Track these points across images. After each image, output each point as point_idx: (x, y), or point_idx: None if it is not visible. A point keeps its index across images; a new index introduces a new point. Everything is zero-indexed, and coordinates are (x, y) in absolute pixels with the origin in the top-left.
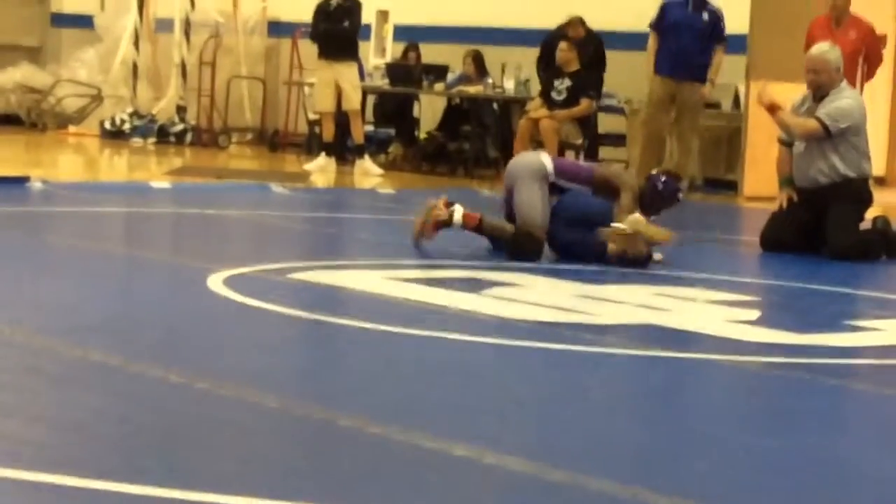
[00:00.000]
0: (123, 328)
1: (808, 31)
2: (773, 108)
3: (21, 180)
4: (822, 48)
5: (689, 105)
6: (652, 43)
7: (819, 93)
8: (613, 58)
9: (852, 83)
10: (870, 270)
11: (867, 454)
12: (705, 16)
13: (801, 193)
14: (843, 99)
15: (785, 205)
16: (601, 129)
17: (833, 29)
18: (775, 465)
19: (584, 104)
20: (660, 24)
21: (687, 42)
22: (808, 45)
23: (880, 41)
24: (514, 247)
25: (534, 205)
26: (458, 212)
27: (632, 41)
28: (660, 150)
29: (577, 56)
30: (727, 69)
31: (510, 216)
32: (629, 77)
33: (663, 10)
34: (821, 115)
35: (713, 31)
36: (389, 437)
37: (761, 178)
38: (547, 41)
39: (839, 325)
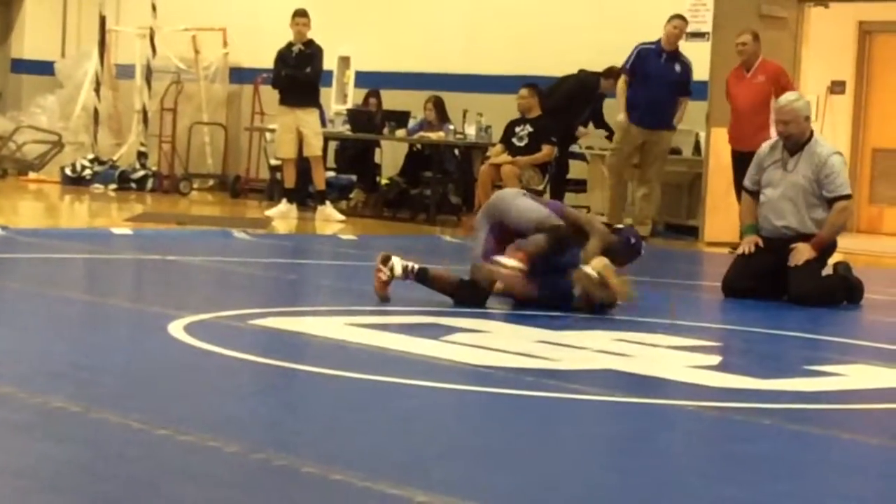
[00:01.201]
0: (84, 375)
1: (726, 81)
2: (816, 249)
3: None
4: (789, 98)
5: (656, 152)
6: (622, 85)
7: (790, 142)
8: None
9: (765, 124)
10: (831, 315)
11: (829, 500)
12: (678, 67)
13: (764, 240)
14: (831, 158)
15: (749, 251)
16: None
17: (744, 75)
18: None
19: (546, 150)
20: (633, 69)
21: (660, 93)
22: (727, 94)
23: (789, 80)
24: (459, 298)
25: (537, 208)
26: (398, 265)
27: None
28: (624, 195)
29: (538, 102)
30: (688, 116)
31: (487, 254)
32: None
33: (638, 57)
34: (840, 192)
35: (685, 83)
36: (352, 485)
37: (722, 224)
38: (589, 86)
39: (800, 370)
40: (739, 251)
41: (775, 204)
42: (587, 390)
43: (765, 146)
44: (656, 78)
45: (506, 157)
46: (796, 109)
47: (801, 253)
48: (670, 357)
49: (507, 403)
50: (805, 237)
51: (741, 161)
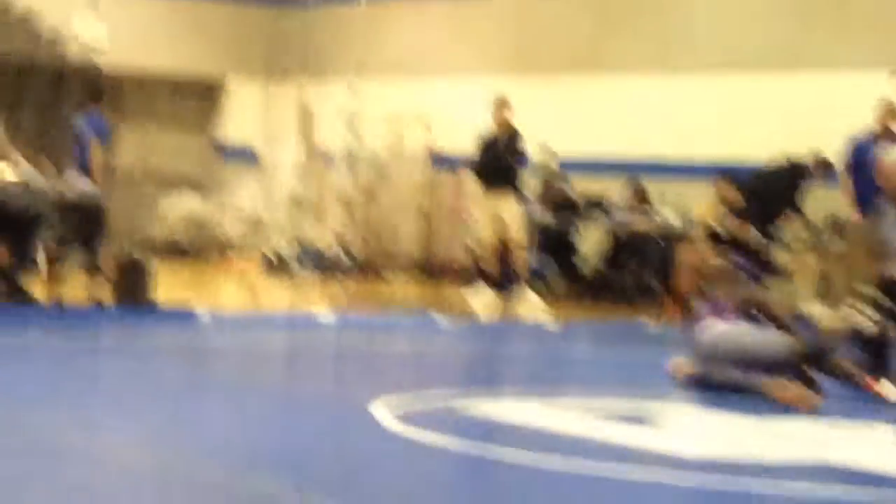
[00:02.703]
0: (291, 462)
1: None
2: None
3: (189, 313)
4: None
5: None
6: (844, 183)
7: None
8: None
9: None
10: None
11: None
12: None
13: None
14: None
15: None
16: None
17: None
18: None
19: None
20: (850, 163)
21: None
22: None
23: None
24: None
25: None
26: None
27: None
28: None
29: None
30: None
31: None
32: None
33: (854, 150)
34: None
35: None
36: None
37: None
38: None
39: None
40: None
41: None
42: (795, 482)
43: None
44: (872, 164)
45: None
46: None
47: None
48: (887, 447)
49: (710, 498)
50: None
51: None
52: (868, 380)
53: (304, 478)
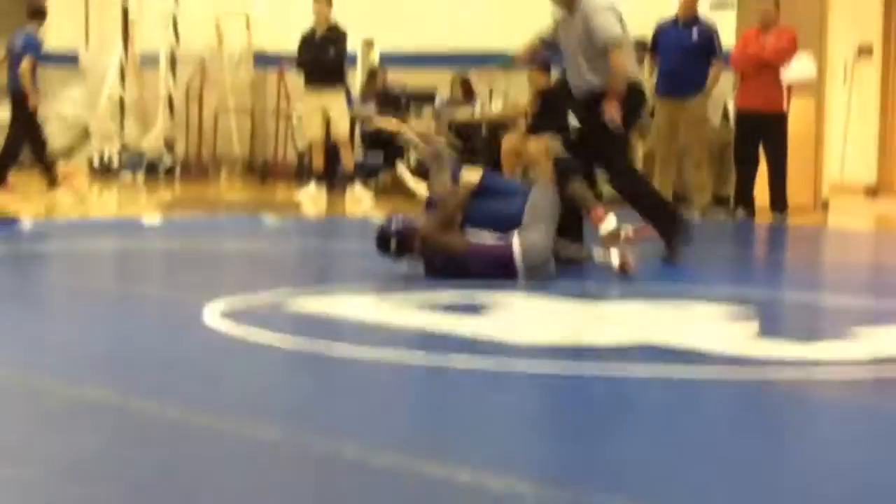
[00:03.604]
0: (119, 365)
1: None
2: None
3: (11, 220)
4: None
5: (690, 122)
6: (648, 66)
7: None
8: None
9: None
10: (870, 282)
11: (879, 471)
12: (695, 33)
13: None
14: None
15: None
16: None
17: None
18: (786, 482)
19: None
20: (654, 47)
21: (679, 60)
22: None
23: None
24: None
25: None
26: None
27: None
28: (672, 170)
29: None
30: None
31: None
32: None
33: (656, 34)
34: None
35: (706, 47)
36: (394, 468)
37: (756, 192)
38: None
39: (840, 336)
40: None
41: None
42: (623, 366)
43: None
44: (673, 46)
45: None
46: None
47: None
48: (708, 327)
49: (547, 381)
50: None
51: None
52: (597, 210)
53: (129, 382)
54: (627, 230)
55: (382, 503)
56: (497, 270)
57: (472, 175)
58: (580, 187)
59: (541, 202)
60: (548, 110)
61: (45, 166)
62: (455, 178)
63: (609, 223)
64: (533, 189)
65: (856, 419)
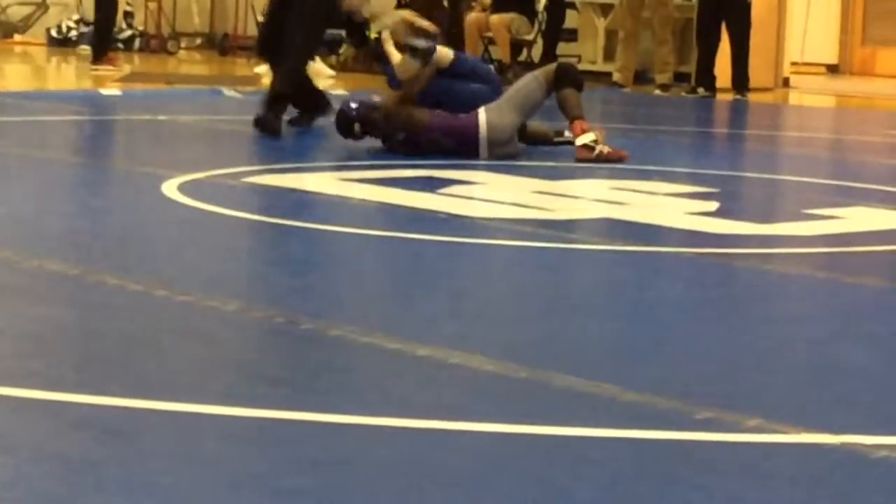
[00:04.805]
0: (79, 238)
1: None
2: None
3: None
4: None
5: None
6: None
7: None
8: None
9: None
10: (827, 161)
11: (835, 344)
12: None
13: None
14: None
15: None
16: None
17: None
18: (745, 357)
19: None
20: None
21: None
22: None
23: None
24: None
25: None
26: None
27: None
28: (636, 46)
29: None
30: None
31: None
32: None
33: None
34: None
35: None
36: (352, 340)
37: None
38: None
39: (799, 214)
40: None
41: None
42: (585, 239)
43: None
44: None
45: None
46: None
47: None
48: (668, 204)
49: (505, 255)
50: None
51: None
52: (579, 124)
53: (87, 253)
54: (603, 148)
55: (335, 371)
56: (460, 145)
57: (445, 53)
58: (572, 94)
59: (520, 88)
60: None
61: (100, 37)
62: (428, 59)
63: (586, 137)
64: (523, 76)
65: (811, 293)
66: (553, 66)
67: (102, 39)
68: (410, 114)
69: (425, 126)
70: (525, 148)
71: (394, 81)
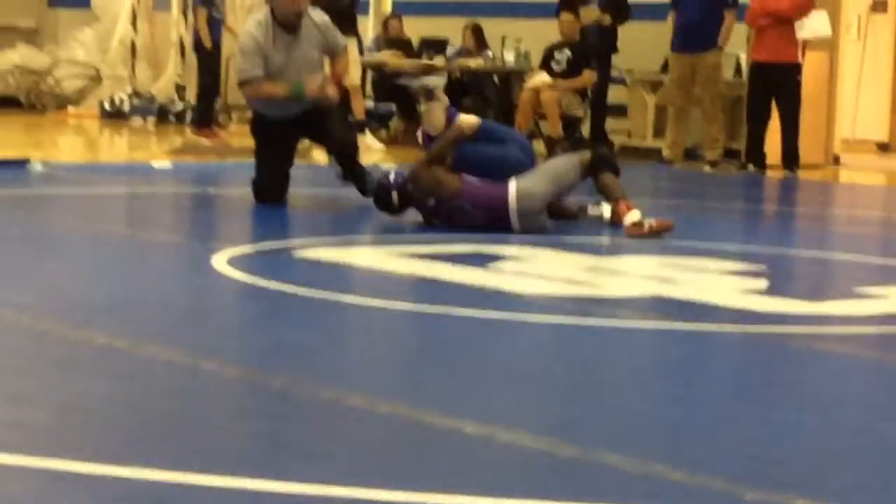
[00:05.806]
0: (128, 310)
1: None
2: None
3: (21, 162)
4: None
5: (704, 75)
6: (670, 20)
7: None
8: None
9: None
10: (881, 239)
11: (885, 425)
12: None
13: None
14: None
15: None
16: None
17: None
18: (794, 437)
19: (586, 75)
20: (674, 2)
21: (693, 13)
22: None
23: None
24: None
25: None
26: None
27: (634, 11)
28: (685, 124)
29: (580, 27)
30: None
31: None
32: (632, 47)
33: None
34: None
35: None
36: (399, 416)
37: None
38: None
39: (849, 293)
40: None
41: None
42: (637, 317)
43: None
44: (690, 1)
45: (544, 79)
46: None
47: None
48: (718, 282)
49: (554, 332)
50: None
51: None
52: (623, 203)
53: (137, 326)
54: (652, 222)
55: (386, 448)
56: (490, 216)
57: (469, 118)
58: (610, 177)
59: (556, 165)
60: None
61: (201, 105)
62: (450, 121)
63: (633, 215)
64: (558, 156)
65: (860, 373)
66: (588, 152)
67: (204, 107)
68: (438, 177)
69: (454, 192)
70: (555, 224)
71: (427, 142)
